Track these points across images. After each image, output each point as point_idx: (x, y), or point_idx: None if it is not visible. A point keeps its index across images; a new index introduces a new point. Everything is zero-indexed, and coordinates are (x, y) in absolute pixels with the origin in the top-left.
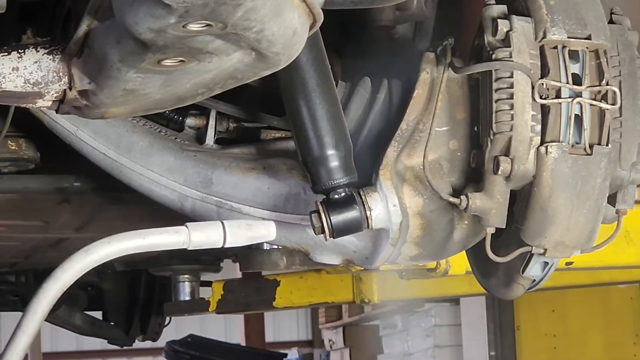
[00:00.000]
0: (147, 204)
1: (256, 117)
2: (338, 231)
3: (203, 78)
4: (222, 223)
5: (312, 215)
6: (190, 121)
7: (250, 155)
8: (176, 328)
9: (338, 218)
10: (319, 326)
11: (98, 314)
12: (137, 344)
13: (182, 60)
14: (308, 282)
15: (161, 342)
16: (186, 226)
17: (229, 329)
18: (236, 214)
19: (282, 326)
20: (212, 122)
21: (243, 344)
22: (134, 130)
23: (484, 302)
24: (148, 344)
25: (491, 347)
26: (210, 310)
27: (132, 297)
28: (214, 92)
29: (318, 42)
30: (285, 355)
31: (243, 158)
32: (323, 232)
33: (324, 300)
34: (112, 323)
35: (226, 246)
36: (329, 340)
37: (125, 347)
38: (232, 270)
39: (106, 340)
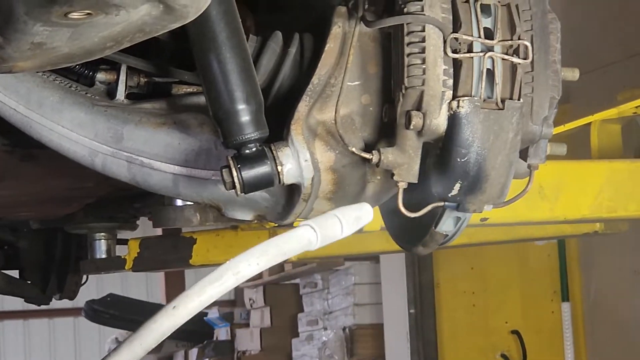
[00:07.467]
0: (59, 161)
1: (167, 72)
2: (249, 186)
3: (111, 31)
4: (338, 217)
5: (223, 170)
6: (100, 76)
7: (161, 110)
8: (97, 288)
9: (249, 173)
10: (240, 285)
11: (15, 273)
12: (58, 304)
13: (89, 13)
14: (225, 239)
15: (82, 302)
16: (311, 226)
17: (150, 288)
18: (147, 169)
19: None
20: (122, 77)
21: (164, 303)
22: (44, 85)
23: (403, 260)
24: (69, 304)
25: (411, 305)
26: (126, 268)
27: (49, 255)
28: (122, 46)
29: None
30: (206, 314)
31: (154, 113)
32: (234, 187)
33: None
34: (29, 282)
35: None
36: (249, 299)
37: (46, 308)
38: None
39: (23, 299)
